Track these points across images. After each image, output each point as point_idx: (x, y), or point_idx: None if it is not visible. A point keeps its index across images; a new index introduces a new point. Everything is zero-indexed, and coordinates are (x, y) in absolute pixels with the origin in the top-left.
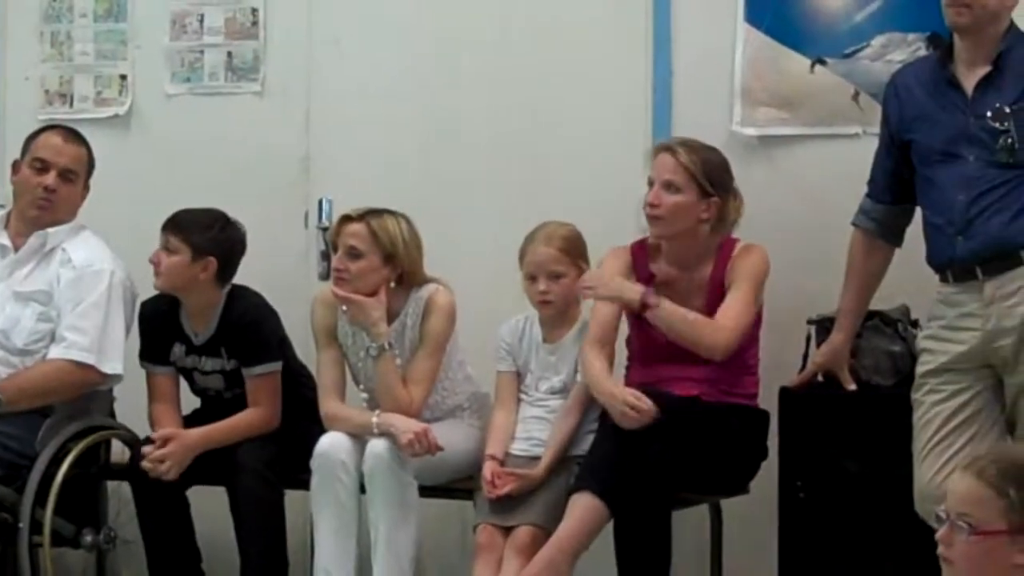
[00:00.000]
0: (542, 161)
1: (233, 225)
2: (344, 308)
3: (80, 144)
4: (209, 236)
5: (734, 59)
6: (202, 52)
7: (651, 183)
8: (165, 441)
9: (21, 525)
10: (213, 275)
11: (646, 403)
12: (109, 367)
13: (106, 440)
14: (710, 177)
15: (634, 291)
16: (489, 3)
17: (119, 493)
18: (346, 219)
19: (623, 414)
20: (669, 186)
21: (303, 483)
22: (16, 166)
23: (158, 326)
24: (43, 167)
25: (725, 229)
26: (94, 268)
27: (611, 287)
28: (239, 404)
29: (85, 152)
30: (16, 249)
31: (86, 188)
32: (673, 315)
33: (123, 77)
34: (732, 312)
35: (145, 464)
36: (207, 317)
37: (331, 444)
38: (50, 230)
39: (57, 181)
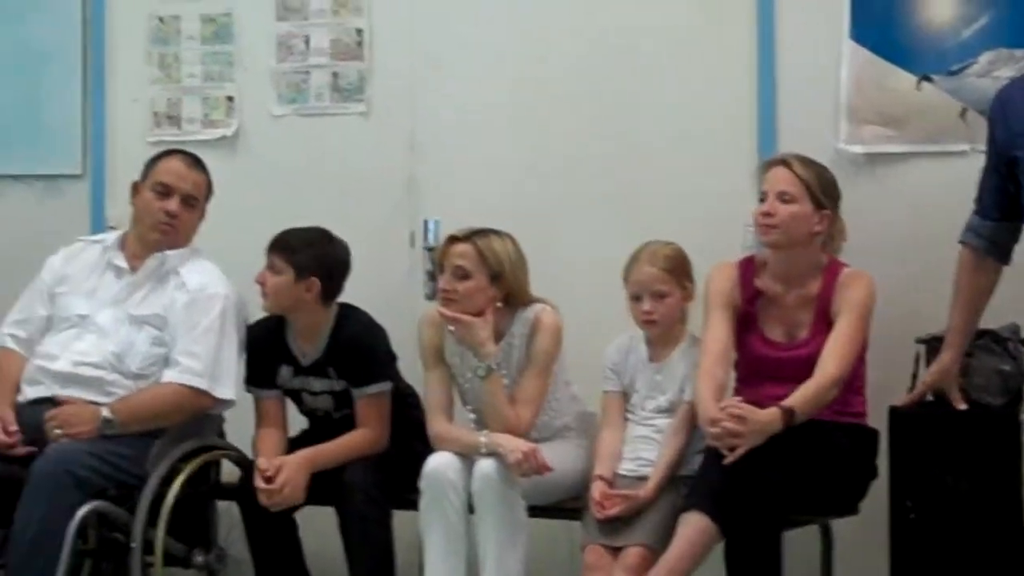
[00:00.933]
0: (645, 179)
1: (336, 243)
2: (451, 328)
3: (202, 171)
4: (311, 255)
5: (839, 76)
6: (308, 73)
7: (763, 197)
8: (276, 471)
9: (133, 545)
10: (317, 294)
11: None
12: (222, 392)
13: (216, 460)
14: (823, 189)
15: (774, 417)
16: (587, 22)
17: (229, 513)
18: (453, 239)
19: (716, 436)
20: (784, 197)
21: (412, 503)
22: (136, 188)
23: (264, 349)
24: (166, 192)
25: (832, 248)
26: (208, 292)
27: (755, 432)
28: (348, 424)
29: (206, 179)
30: (133, 271)
31: (203, 213)
32: (808, 403)
33: (230, 99)
34: (839, 350)
35: (263, 500)
36: (315, 337)
37: (440, 464)
38: (168, 252)
39: (179, 207)
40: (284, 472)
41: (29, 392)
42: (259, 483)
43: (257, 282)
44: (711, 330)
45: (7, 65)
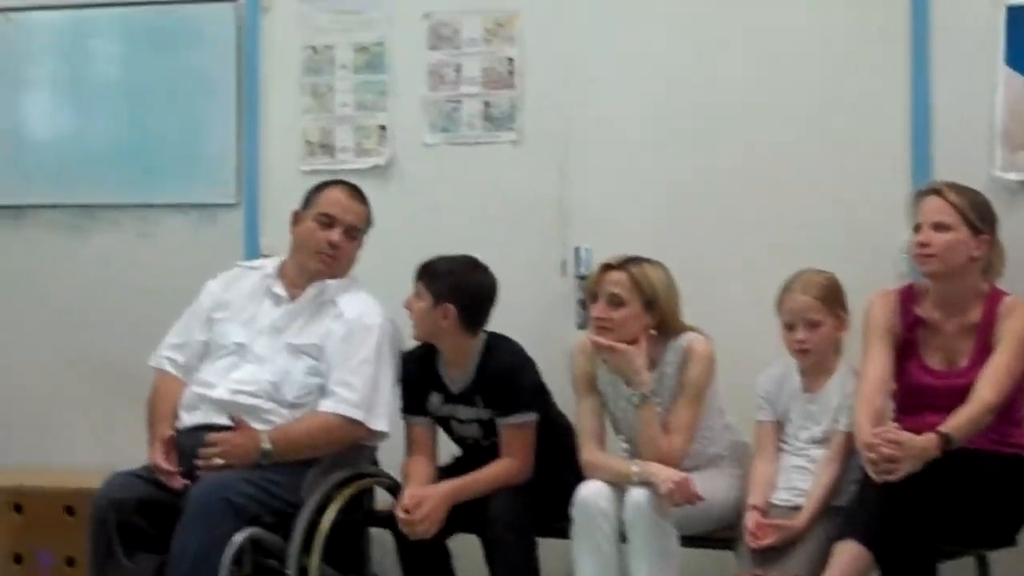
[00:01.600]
0: (798, 207)
1: (479, 271)
2: (605, 357)
3: (363, 202)
4: (449, 282)
5: (994, 103)
6: (459, 102)
7: (917, 228)
8: (417, 504)
9: (289, 572)
10: (455, 321)
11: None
12: (377, 424)
13: (370, 488)
14: (979, 213)
15: (930, 442)
16: (742, 51)
17: (382, 540)
18: (606, 267)
19: (872, 462)
20: (939, 227)
21: (563, 532)
22: (298, 217)
23: (416, 376)
24: (329, 223)
25: (992, 274)
26: (365, 323)
27: (912, 457)
28: (497, 453)
29: (367, 210)
30: (291, 299)
31: (362, 244)
32: (963, 428)
33: (382, 128)
34: (996, 377)
35: (402, 528)
36: (463, 365)
37: (591, 492)
38: (328, 282)
39: (342, 237)
40: (424, 505)
41: (187, 419)
42: (399, 513)
43: (404, 307)
44: (871, 358)
45: (164, 95)
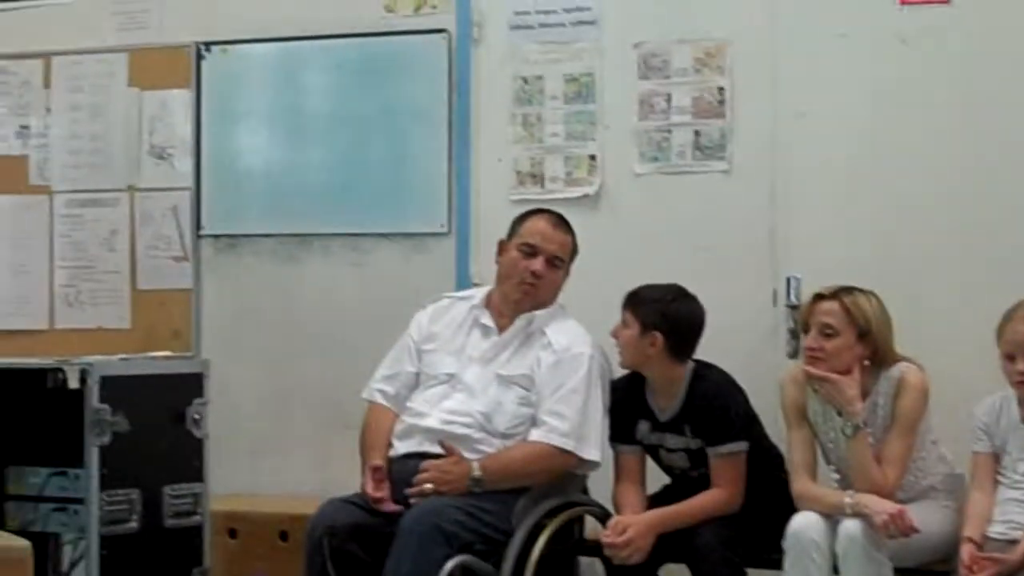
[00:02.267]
0: (1016, 234)
1: (687, 300)
2: (817, 387)
3: (568, 231)
4: (656, 310)
5: None
6: (670, 131)
7: None
8: (624, 529)
9: None
10: (662, 349)
11: None
12: (587, 453)
13: (580, 516)
14: None
15: None
16: (955, 77)
17: (592, 569)
18: (819, 297)
19: None
20: None
21: (775, 563)
22: (503, 247)
23: (624, 404)
24: (532, 252)
25: None
26: (574, 352)
27: None
28: (706, 483)
29: (571, 239)
30: (500, 330)
31: (567, 273)
32: None
33: (592, 157)
34: None
35: (607, 552)
36: (671, 394)
37: (804, 524)
38: (536, 313)
39: (544, 267)
40: (630, 533)
41: (400, 447)
42: (605, 539)
43: (612, 335)
44: None
45: (377, 126)
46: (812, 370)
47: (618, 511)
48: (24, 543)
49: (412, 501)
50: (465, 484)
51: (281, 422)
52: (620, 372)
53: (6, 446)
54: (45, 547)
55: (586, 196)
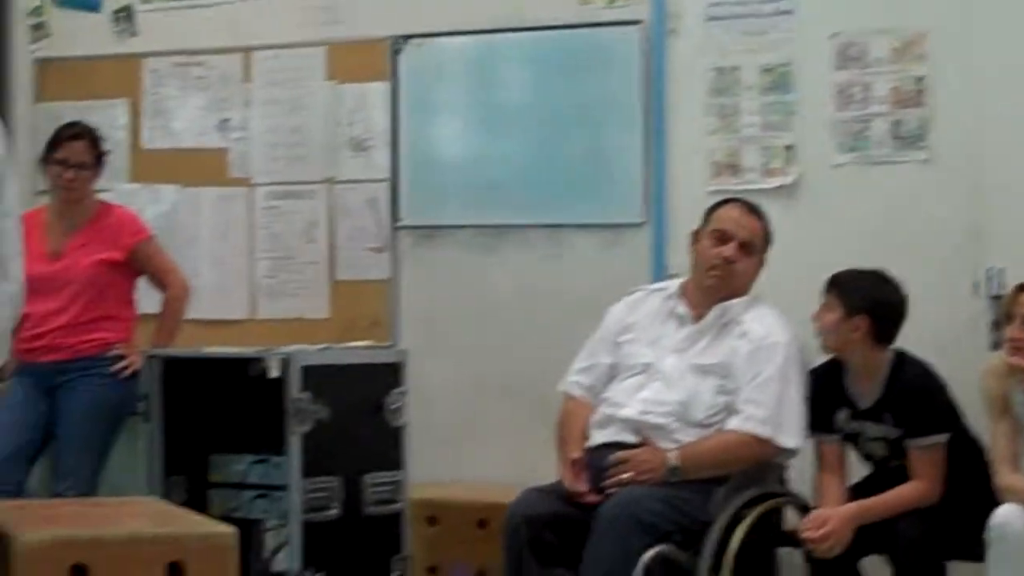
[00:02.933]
0: None
1: (891, 285)
2: (1021, 378)
3: (759, 218)
4: (862, 294)
5: None
6: (868, 121)
7: None
8: (823, 522)
9: None
10: (866, 334)
11: None
12: (785, 441)
13: (778, 507)
14: None
15: None
16: None
17: (791, 560)
18: (1021, 289)
19: None
20: None
21: (977, 555)
22: (696, 236)
23: (823, 392)
24: (723, 238)
25: None
26: (770, 341)
27: None
28: (904, 473)
29: (763, 226)
30: (695, 319)
31: (761, 262)
32: None
33: (789, 148)
34: None
35: (807, 547)
36: (871, 381)
37: (1007, 516)
38: (731, 302)
39: (736, 252)
40: (829, 526)
41: (597, 437)
42: (805, 533)
43: (813, 319)
44: None
45: (572, 117)
46: (1015, 361)
47: (819, 502)
48: (229, 529)
49: (610, 491)
50: (662, 473)
51: (478, 411)
52: (817, 361)
53: (209, 434)
54: (247, 533)
55: (783, 187)
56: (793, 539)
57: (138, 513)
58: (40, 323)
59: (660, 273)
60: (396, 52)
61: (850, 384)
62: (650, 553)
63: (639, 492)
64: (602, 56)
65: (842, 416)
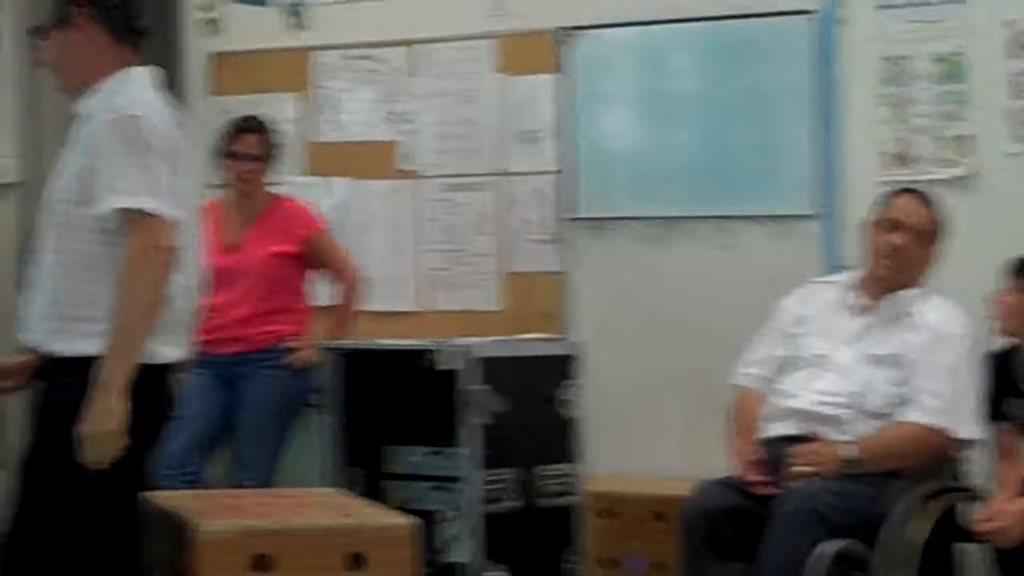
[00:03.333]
0: None
1: None
2: None
3: (931, 208)
4: None
5: None
6: None
7: None
8: (994, 515)
9: None
10: None
11: None
12: (963, 432)
13: (956, 501)
14: None
15: None
16: None
17: (971, 555)
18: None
19: None
20: None
21: None
22: (868, 227)
23: (998, 380)
24: (894, 226)
25: None
26: (946, 331)
27: None
28: None
29: (936, 217)
30: (868, 310)
31: (935, 253)
32: None
33: (962, 137)
34: None
35: (985, 538)
36: None
37: None
38: (905, 292)
39: (907, 240)
40: (1002, 519)
41: (771, 429)
42: (978, 526)
43: (993, 302)
44: None
45: (741, 108)
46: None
47: (998, 491)
48: (410, 521)
49: (786, 484)
50: (838, 466)
51: (652, 403)
52: (991, 348)
53: (383, 425)
54: (423, 524)
55: (956, 177)
56: (970, 533)
57: (319, 504)
58: (218, 315)
59: (831, 265)
60: (563, 44)
61: (1017, 369)
62: (827, 547)
63: (815, 485)
64: (771, 46)
65: (1015, 402)
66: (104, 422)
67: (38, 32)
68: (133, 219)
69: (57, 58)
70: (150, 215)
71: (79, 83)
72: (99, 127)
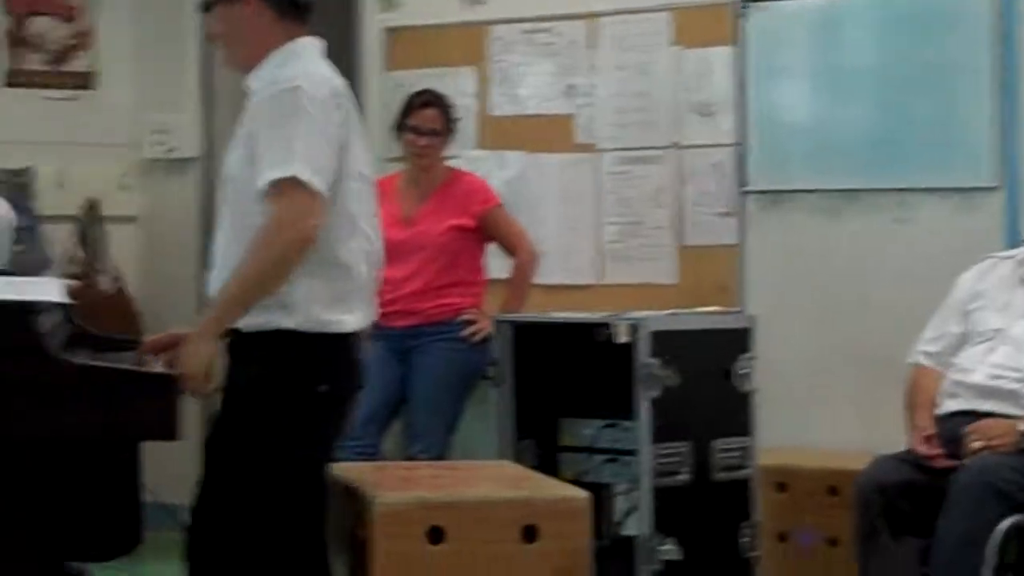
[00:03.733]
0: None
1: None
2: None
3: None
4: None
5: None
6: None
7: None
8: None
9: None
10: None
11: None
12: None
13: None
14: None
15: None
16: None
17: None
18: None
19: None
20: None
21: None
22: None
23: None
24: None
25: None
26: None
27: None
28: None
29: None
30: None
31: None
32: None
33: None
34: None
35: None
36: None
37: None
38: None
39: None
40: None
41: (947, 405)
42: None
43: None
44: None
45: (920, 81)
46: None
47: None
48: (583, 493)
49: (964, 460)
50: (1017, 441)
51: (827, 378)
52: None
53: (558, 398)
54: (597, 497)
55: None
56: None
57: (493, 476)
58: (394, 288)
59: (1014, 237)
60: (740, 16)
61: None
62: (1007, 522)
63: (993, 460)
64: (951, 16)
65: None
66: (190, 364)
67: (205, 7)
68: (283, 185)
69: (223, 33)
70: (301, 184)
71: (246, 57)
72: (261, 101)
